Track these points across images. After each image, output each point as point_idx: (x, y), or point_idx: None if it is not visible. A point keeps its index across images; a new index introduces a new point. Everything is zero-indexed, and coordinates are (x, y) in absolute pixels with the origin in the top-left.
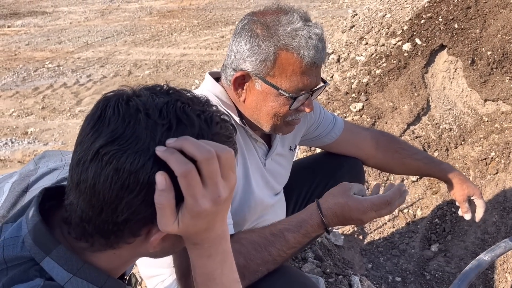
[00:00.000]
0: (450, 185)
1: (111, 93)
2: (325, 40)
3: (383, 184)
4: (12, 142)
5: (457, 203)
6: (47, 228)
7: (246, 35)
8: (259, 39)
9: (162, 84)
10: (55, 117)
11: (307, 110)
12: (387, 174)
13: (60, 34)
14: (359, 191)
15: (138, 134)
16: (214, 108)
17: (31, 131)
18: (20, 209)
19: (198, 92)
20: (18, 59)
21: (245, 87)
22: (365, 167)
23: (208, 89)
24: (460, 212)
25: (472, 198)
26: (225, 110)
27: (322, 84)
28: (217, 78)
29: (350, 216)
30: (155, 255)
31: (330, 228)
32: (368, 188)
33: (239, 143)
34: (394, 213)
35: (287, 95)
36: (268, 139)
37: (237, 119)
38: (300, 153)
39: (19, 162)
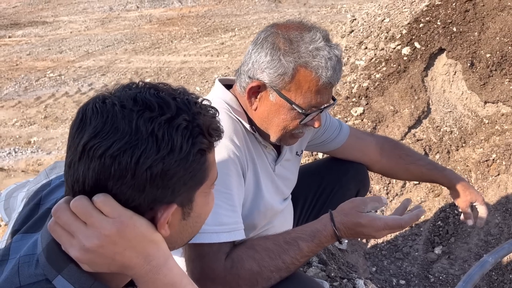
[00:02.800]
0: (453, 191)
1: (89, 99)
2: (342, 61)
3: (385, 188)
4: (15, 152)
5: (459, 209)
6: (59, 246)
7: (267, 47)
8: (281, 53)
9: (137, 81)
10: (58, 126)
11: (316, 125)
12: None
13: (61, 43)
14: (374, 208)
15: (117, 125)
16: (193, 95)
17: (34, 140)
18: (32, 222)
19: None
20: (20, 69)
21: (258, 96)
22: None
23: (218, 96)
24: (462, 217)
25: (474, 204)
26: (235, 116)
27: (332, 102)
28: (226, 85)
29: (362, 231)
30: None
31: (342, 239)
32: (370, 192)
33: (249, 149)
34: None
35: (300, 111)
36: (277, 145)
37: (247, 125)
38: (302, 158)
39: (22, 171)
